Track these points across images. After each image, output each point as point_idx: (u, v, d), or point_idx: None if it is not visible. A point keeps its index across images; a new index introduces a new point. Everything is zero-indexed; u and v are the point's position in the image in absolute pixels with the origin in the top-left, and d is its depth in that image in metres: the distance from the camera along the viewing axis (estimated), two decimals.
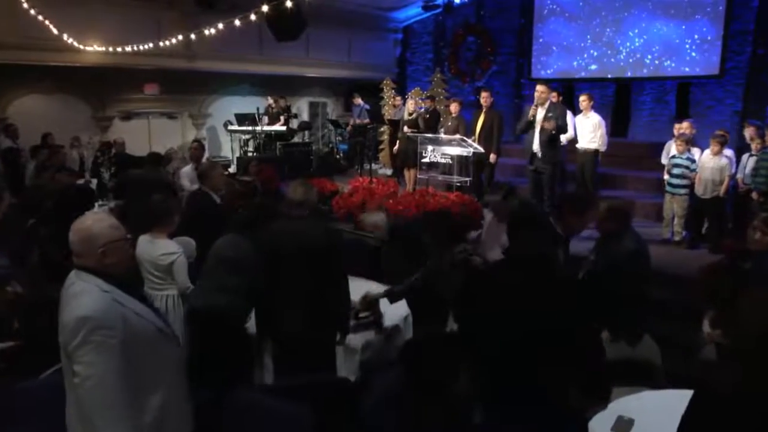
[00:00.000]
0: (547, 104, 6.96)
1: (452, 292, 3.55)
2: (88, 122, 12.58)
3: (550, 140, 6.87)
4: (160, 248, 3.98)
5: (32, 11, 9.04)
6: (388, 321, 4.16)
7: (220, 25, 7.72)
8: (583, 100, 7.80)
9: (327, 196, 7.68)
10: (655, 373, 3.89)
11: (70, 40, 9.71)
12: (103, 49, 10.40)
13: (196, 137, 13.99)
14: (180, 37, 8.85)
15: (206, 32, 7.99)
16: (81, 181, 9.32)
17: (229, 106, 13.71)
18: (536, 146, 6.99)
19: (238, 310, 3.74)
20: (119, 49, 10.07)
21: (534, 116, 6.98)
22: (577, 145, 7.80)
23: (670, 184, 7.03)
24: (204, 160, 13.12)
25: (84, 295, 2.29)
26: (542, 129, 6.89)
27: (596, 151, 7.77)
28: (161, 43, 9.83)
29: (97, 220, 2.41)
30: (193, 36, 8.41)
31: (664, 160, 7.58)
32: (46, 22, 9.33)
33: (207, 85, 13.73)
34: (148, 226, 4.07)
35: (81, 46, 10.28)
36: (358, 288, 4.63)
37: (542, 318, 2.43)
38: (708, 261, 5.59)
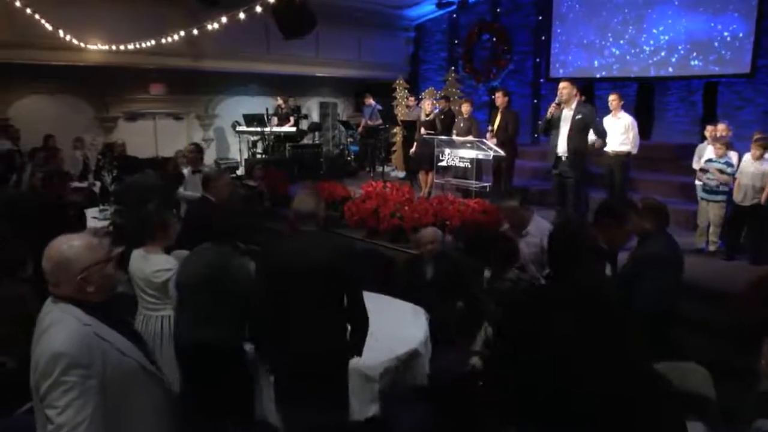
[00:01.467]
0: (573, 103, 6.47)
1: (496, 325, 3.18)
2: (91, 123, 12.28)
3: (579, 144, 6.40)
4: (154, 264, 3.58)
5: (28, 10, 8.66)
6: (405, 345, 3.73)
7: (224, 19, 7.21)
8: (612, 99, 7.33)
9: (338, 202, 7.27)
10: (708, 409, 3.44)
11: (68, 37, 9.34)
12: (106, 47, 10.06)
13: (204, 137, 13.72)
14: (183, 33, 8.39)
15: (209, 27, 7.56)
16: (84, 184, 9.06)
17: (237, 107, 13.34)
18: (561, 149, 6.51)
19: (232, 344, 3.26)
20: (122, 47, 9.71)
21: (553, 115, 6.52)
22: (606, 148, 7.33)
23: (706, 190, 6.57)
24: (209, 163, 13.03)
25: (60, 327, 1.99)
26: (570, 137, 6.40)
27: (628, 154, 7.30)
28: (163, 40, 9.43)
29: (71, 243, 2.08)
30: (195, 31, 7.97)
31: (695, 165, 7.12)
32: (42, 21, 8.97)
33: (214, 85, 13.37)
34: (142, 239, 3.67)
35: (82, 44, 9.96)
36: (369, 303, 4.23)
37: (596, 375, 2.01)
38: (750, 274, 5.18)
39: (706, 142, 7.32)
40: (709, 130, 7.34)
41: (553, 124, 6.56)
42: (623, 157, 7.27)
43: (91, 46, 10.04)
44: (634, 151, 7.37)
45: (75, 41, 9.49)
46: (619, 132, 7.26)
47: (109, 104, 12.42)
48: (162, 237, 3.66)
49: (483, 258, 3.64)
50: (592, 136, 6.87)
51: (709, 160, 6.62)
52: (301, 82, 14.34)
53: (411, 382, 3.70)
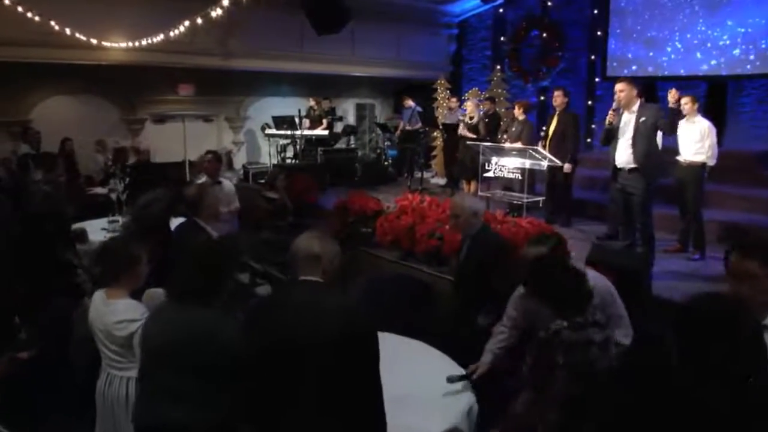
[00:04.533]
0: (635, 106, 5.47)
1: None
2: (117, 125, 11.80)
3: (645, 152, 5.39)
4: (115, 312, 2.78)
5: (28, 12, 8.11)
6: (443, 422, 2.86)
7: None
8: (685, 102, 6.26)
9: (370, 217, 6.43)
10: None
11: (80, 36, 8.76)
12: (124, 44, 9.49)
13: (234, 141, 13.11)
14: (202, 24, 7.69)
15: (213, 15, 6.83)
16: (105, 190, 8.45)
17: (269, 108, 12.64)
18: (622, 160, 5.50)
19: (204, 429, 2.42)
20: (144, 42, 9.09)
21: (612, 123, 5.53)
22: (679, 158, 6.30)
23: None
24: (234, 169, 12.37)
25: None
26: (633, 144, 5.39)
27: (703, 165, 6.22)
28: (172, 31, 8.78)
29: None
30: (217, 14, 7.26)
31: None
32: (51, 21, 8.42)
33: (245, 86, 12.74)
34: (105, 279, 2.89)
35: (104, 43, 9.40)
36: (397, 350, 3.37)
37: None
38: None
39: None
40: None
41: (613, 133, 5.56)
42: (697, 169, 6.21)
43: (107, 44, 9.48)
44: (711, 162, 6.28)
45: (93, 41, 8.88)
46: (694, 140, 6.21)
47: (135, 105, 11.92)
48: (128, 278, 2.87)
49: (548, 300, 2.75)
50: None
51: None
52: (336, 82, 13.59)
53: None
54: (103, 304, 2.84)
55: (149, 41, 8.96)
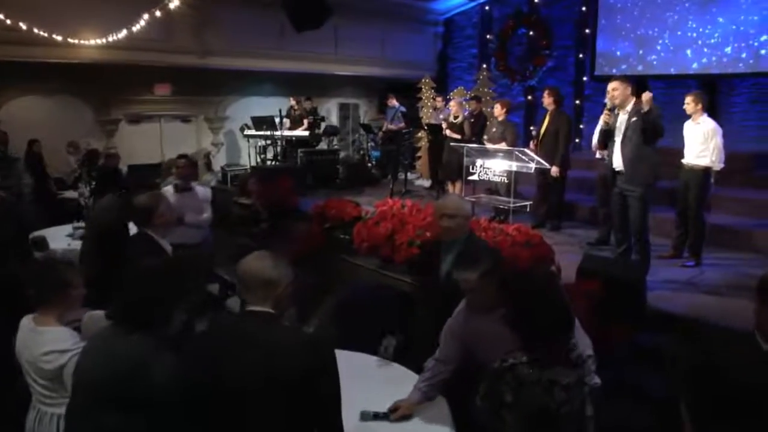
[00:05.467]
0: (629, 105, 5.18)
1: None
2: (91, 126, 11.35)
3: (640, 152, 5.08)
4: (44, 342, 2.42)
5: None
6: None
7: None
8: (689, 102, 5.93)
9: (347, 223, 6.08)
10: None
11: (47, 34, 8.35)
12: (101, 41, 9.07)
13: (214, 142, 12.72)
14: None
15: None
16: (76, 194, 8.05)
17: (250, 109, 12.25)
18: (619, 161, 5.22)
19: None
20: (112, 39, 8.69)
21: (608, 123, 5.23)
22: (683, 160, 5.99)
23: None
24: (213, 170, 11.95)
25: None
26: (624, 144, 5.10)
27: (707, 169, 5.88)
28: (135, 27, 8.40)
29: None
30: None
31: None
32: (20, 23, 8.03)
33: (225, 85, 12.35)
34: (34, 303, 2.53)
35: (75, 41, 8.99)
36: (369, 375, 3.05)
37: None
38: None
39: None
40: None
41: (610, 134, 5.26)
42: (699, 173, 5.88)
43: (73, 41, 9.06)
44: (717, 166, 5.90)
45: (53, 35, 8.47)
46: (698, 141, 5.88)
47: (110, 106, 11.50)
48: (59, 303, 2.51)
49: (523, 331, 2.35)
50: None
51: None
52: (319, 81, 13.24)
53: None
54: (30, 333, 2.47)
55: (116, 37, 8.56)
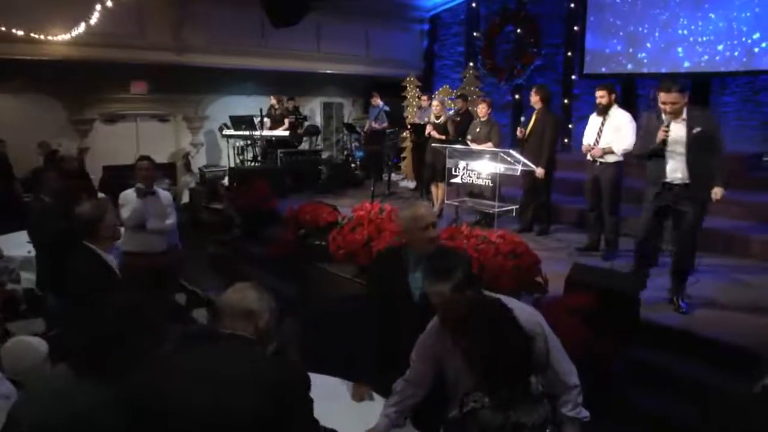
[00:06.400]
0: (683, 113, 4.35)
1: None
2: (64, 126, 10.94)
3: (703, 167, 4.36)
4: None
5: None
6: None
7: None
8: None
9: (322, 229, 5.73)
10: None
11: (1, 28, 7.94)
12: (65, 37, 8.68)
13: (193, 142, 12.35)
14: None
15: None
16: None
17: (230, 108, 11.88)
18: (674, 170, 4.47)
19: None
20: (78, 33, 8.30)
21: (667, 134, 4.40)
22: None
23: None
24: (192, 171, 11.48)
25: None
26: (689, 158, 4.36)
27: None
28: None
29: None
30: None
31: None
32: None
33: (204, 83, 11.97)
34: None
35: (42, 37, 8.60)
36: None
37: None
38: None
39: None
40: None
41: (659, 150, 4.52)
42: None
43: (51, 38, 8.68)
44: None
45: (19, 32, 8.07)
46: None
47: (83, 104, 11.10)
48: None
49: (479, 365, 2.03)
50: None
51: None
52: (302, 80, 12.89)
53: None
54: None
55: (79, 32, 8.15)
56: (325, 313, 4.26)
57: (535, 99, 6.68)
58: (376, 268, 3.22)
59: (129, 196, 5.15)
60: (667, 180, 4.48)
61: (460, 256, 2.72)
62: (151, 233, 5.11)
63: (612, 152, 5.69)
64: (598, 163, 5.83)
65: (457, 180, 6.42)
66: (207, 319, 4.66)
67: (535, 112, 6.67)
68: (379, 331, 2.94)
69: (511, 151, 5.84)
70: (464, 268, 2.40)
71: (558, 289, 4.29)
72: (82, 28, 7.87)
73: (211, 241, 5.80)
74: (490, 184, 6.05)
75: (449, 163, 6.51)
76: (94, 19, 7.49)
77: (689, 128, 4.33)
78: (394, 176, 10.80)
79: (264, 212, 7.13)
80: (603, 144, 5.77)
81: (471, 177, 6.19)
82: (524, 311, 2.36)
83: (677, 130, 4.38)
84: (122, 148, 11.05)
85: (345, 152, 12.70)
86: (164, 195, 5.38)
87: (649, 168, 4.64)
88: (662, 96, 4.31)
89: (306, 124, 11.94)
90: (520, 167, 5.82)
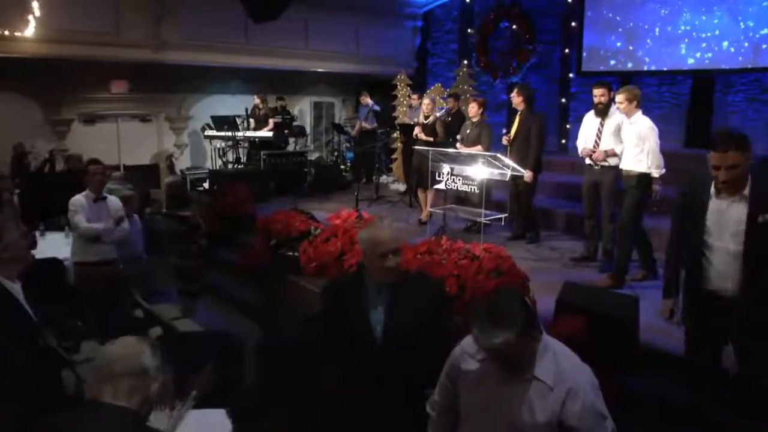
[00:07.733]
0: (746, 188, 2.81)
1: None
2: (41, 126, 10.49)
3: None
4: None
5: None
6: None
7: None
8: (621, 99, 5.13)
9: (295, 239, 5.27)
10: None
11: None
12: (39, 34, 8.25)
13: (177, 143, 11.89)
14: None
15: None
16: None
17: (215, 107, 11.42)
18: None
19: None
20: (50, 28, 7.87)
21: None
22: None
23: None
24: (176, 173, 10.99)
25: None
26: None
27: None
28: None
29: None
30: None
31: None
32: None
33: (187, 82, 11.51)
34: None
35: (5, 32, 8.15)
36: None
37: None
38: None
39: None
40: None
41: None
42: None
43: (18, 34, 8.24)
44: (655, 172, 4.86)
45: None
46: (632, 143, 5.09)
47: (61, 104, 10.64)
48: None
49: None
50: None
51: None
52: (290, 78, 12.42)
53: None
54: None
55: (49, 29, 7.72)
56: (280, 339, 3.78)
57: (517, 100, 6.28)
58: (330, 301, 2.70)
59: (79, 202, 4.75)
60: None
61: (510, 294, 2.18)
62: (105, 243, 4.74)
63: (615, 155, 5.22)
64: (597, 167, 5.37)
65: (441, 186, 5.95)
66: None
67: (519, 113, 6.26)
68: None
69: (498, 155, 5.37)
70: (520, 303, 1.93)
71: (550, 305, 3.83)
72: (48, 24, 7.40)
73: (173, 252, 5.33)
74: (476, 191, 5.57)
75: (433, 167, 6.05)
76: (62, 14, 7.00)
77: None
78: (385, 178, 10.37)
79: (238, 217, 6.67)
80: (603, 147, 5.31)
81: (456, 182, 5.71)
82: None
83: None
84: (102, 150, 10.58)
85: (335, 153, 12.25)
86: (114, 201, 5.00)
87: None
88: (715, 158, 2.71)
89: (295, 124, 11.50)
90: (509, 172, 5.35)
